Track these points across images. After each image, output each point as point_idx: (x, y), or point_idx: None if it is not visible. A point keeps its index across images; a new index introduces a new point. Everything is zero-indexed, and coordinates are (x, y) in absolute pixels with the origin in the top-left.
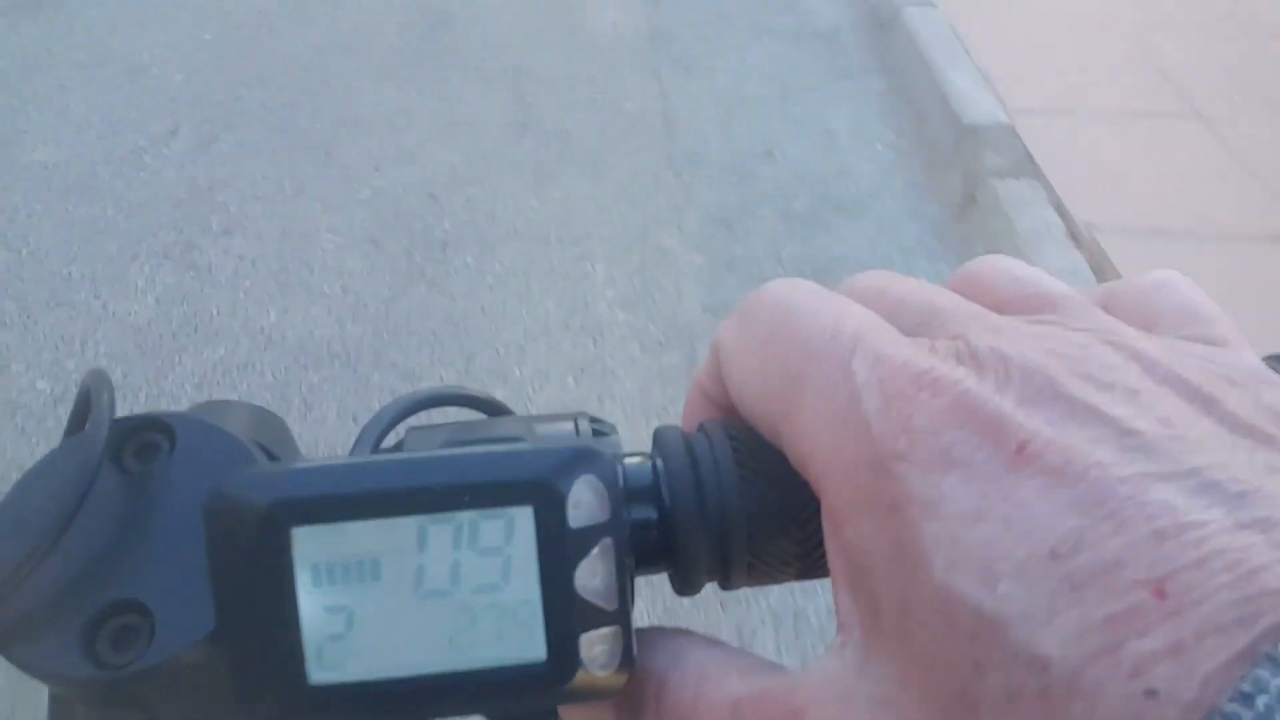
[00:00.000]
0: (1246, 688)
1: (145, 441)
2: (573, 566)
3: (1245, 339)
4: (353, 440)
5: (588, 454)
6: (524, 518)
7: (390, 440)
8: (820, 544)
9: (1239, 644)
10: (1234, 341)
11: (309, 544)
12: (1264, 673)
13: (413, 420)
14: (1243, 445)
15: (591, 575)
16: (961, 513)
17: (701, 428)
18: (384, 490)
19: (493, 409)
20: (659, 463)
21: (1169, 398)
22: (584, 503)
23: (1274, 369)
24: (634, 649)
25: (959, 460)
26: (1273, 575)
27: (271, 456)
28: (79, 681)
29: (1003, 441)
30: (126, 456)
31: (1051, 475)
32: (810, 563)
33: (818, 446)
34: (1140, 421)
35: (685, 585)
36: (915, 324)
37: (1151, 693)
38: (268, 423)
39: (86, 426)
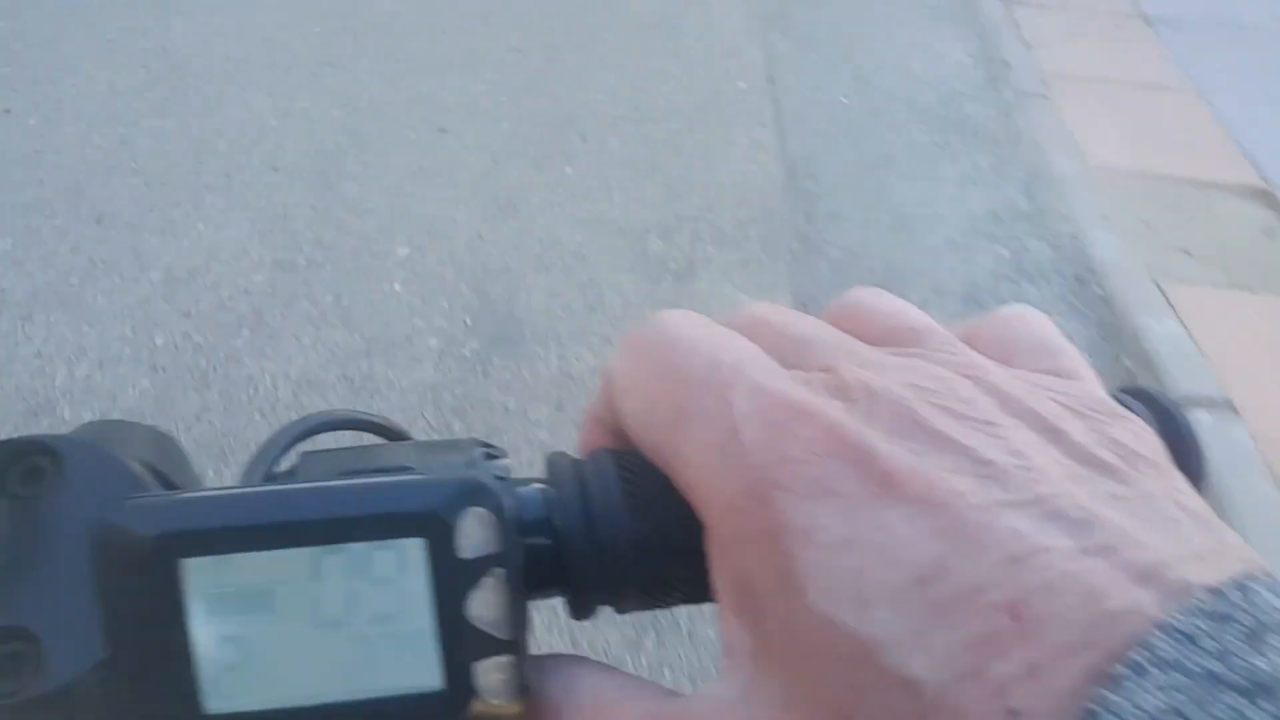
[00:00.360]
0: (1093, 706)
1: (30, 466)
2: (464, 596)
3: (1093, 372)
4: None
5: (475, 486)
6: (416, 549)
7: (285, 463)
8: (707, 570)
9: (1087, 663)
10: (1083, 374)
11: (200, 576)
12: (1107, 692)
13: (307, 445)
14: (1086, 475)
15: (484, 605)
16: (835, 541)
17: (593, 455)
18: (276, 522)
19: (389, 433)
20: (550, 491)
21: (1020, 429)
22: (473, 534)
23: (1121, 401)
24: (528, 677)
25: (831, 489)
26: (1114, 599)
27: (163, 479)
28: None
29: (871, 471)
30: (11, 481)
31: (915, 504)
32: (698, 588)
33: (701, 475)
34: (993, 452)
35: (579, 610)
36: (793, 355)
37: (1013, 712)
38: (161, 444)
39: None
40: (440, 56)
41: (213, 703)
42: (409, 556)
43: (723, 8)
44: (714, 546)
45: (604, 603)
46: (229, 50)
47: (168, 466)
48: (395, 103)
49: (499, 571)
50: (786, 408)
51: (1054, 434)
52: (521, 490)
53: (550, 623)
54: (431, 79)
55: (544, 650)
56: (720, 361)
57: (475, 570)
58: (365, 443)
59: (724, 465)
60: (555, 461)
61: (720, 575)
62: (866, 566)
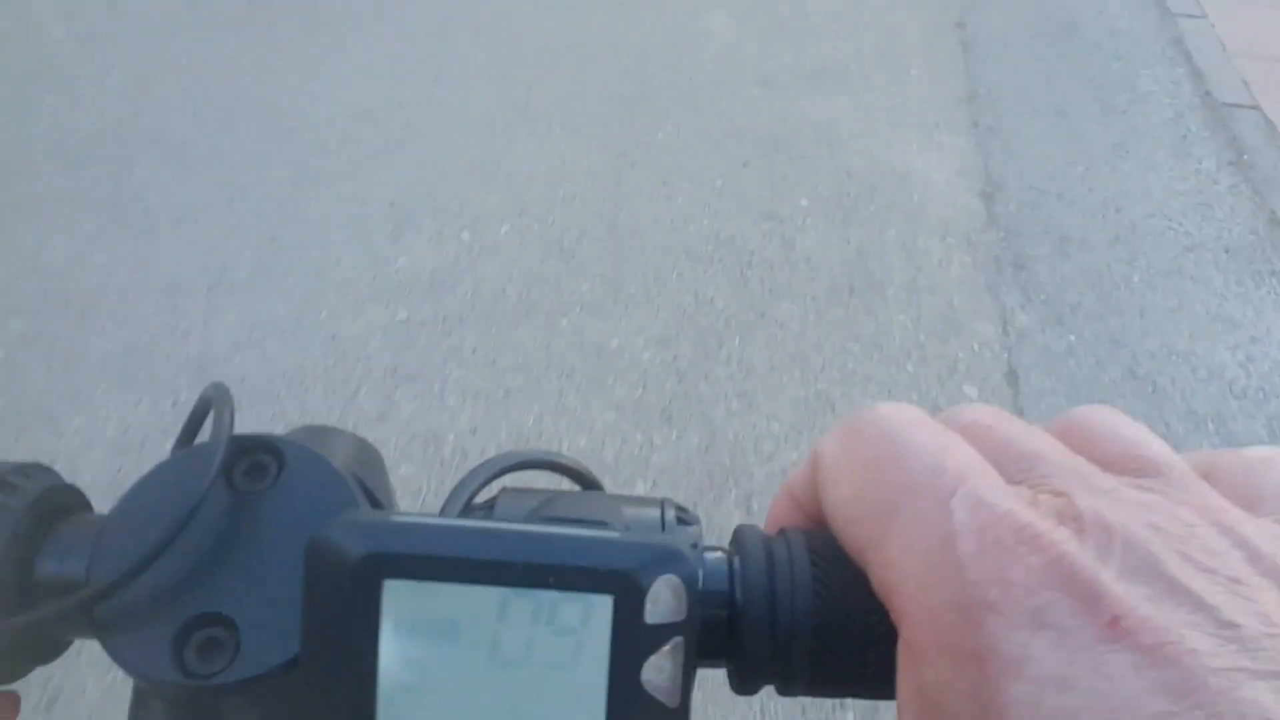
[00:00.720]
0: None
1: (256, 462)
2: (642, 659)
3: None
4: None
5: (673, 553)
6: (603, 605)
7: (484, 495)
8: (884, 669)
9: None
10: None
11: (398, 597)
12: None
13: (508, 480)
14: None
15: (659, 671)
16: (1047, 676)
17: (783, 532)
18: (476, 558)
19: (583, 479)
20: (736, 562)
21: (1270, 592)
22: (662, 600)
23: None
24: None
25: (1050, 623)
26: None
27: (367, 490)
28: (163, 684)
29: (1097, 611)
30: (237, 474)
31: (1143, 654)
32: (871, 685)
33: (906, 579)
34: (1240, 614)
35: (743, 684)
36: (1018, 469)
37: None
38: (367, 455)
39: (208, 439)
40: None
41: (385, 717)
42: (595, 612)
43: (938, 253)
44: (906, 653)
45: (769, 681)
46: None
47: (369, 475)
48: None
49: (678, 640)
50: (1011, 528)
51: None
52: (708, 556)
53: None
54: None
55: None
56: (943, 466)
57: (657, 636)
58: (562, 486)
59: (933, 574)
60: (744, 533)
61: (908, 684)
62: (1079, 710)
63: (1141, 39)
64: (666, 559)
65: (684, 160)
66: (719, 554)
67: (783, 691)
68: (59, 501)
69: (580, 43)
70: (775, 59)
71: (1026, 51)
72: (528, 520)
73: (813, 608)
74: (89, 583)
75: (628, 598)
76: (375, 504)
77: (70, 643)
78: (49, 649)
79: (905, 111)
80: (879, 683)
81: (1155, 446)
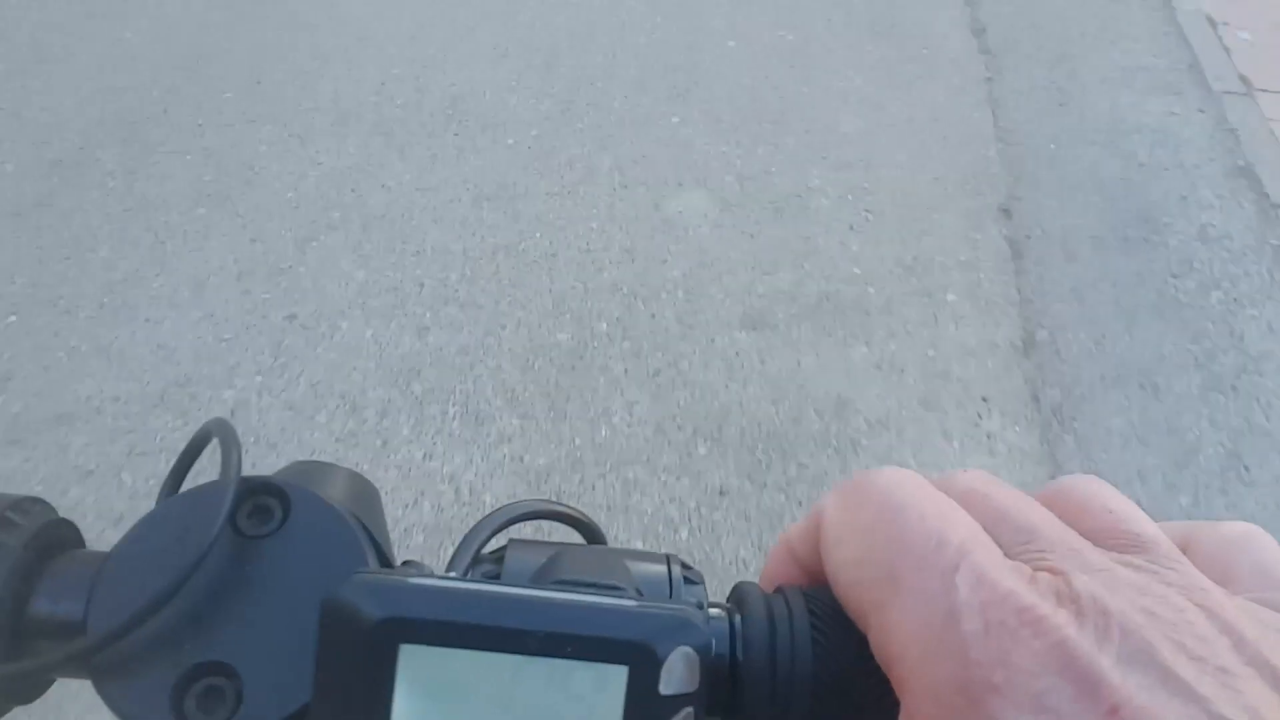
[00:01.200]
0: None
1: (260, 504)
2: None
3: None
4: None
5: (688, 625)
6: (618, 675)
7: (492, 545)
8: None
9: None
10: None
11: (414, 662)
12: None
13: (515, 531)
14: None
15: None
16: None
17: (781, 591)
18: (495, 626)
19: (586, 530)
20: (736, 620)
21: (1255, 682)
22: (677, 671)
23: None
24: None
25: (1051, 708)
26: None
27: (367, 531)
28: None
29: (1097, 699)
30: (241, 517)
31: None
32: None
33: (908, 651)
34: (1228, 707)
35: None
36: (1014, 542)
37: None
38: (364, 492)
39: (218, 477)
40: None
41: None
42: (609, 680)
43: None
44: None
45: None
46: None
47: (367, 514)
48: None
49: (689, 710)
50: (1014, 609)
51: None
52: (712, 615)
53: None
54: None
55: None
56: (945, 539)
57: (670, 707)
58: (569, 537)
59: (936, 650)
60: (745, 591)
61: None
62: None
63: (1241, 250)
64: (682, 630)
65: (630, 492)
66: (720, 612)
67: None
68: (55, 537)
69: (503, 261)
70: (769, 275)
71: (1094, 264)
72: (538, 578)
73: (813, 671)
74: (87, 625)
75: (643, 669)
76: (375, 545)
77: (53, 682)
78: (32, 690)
79: (942, 376)
80: None
81: (1142, 522)
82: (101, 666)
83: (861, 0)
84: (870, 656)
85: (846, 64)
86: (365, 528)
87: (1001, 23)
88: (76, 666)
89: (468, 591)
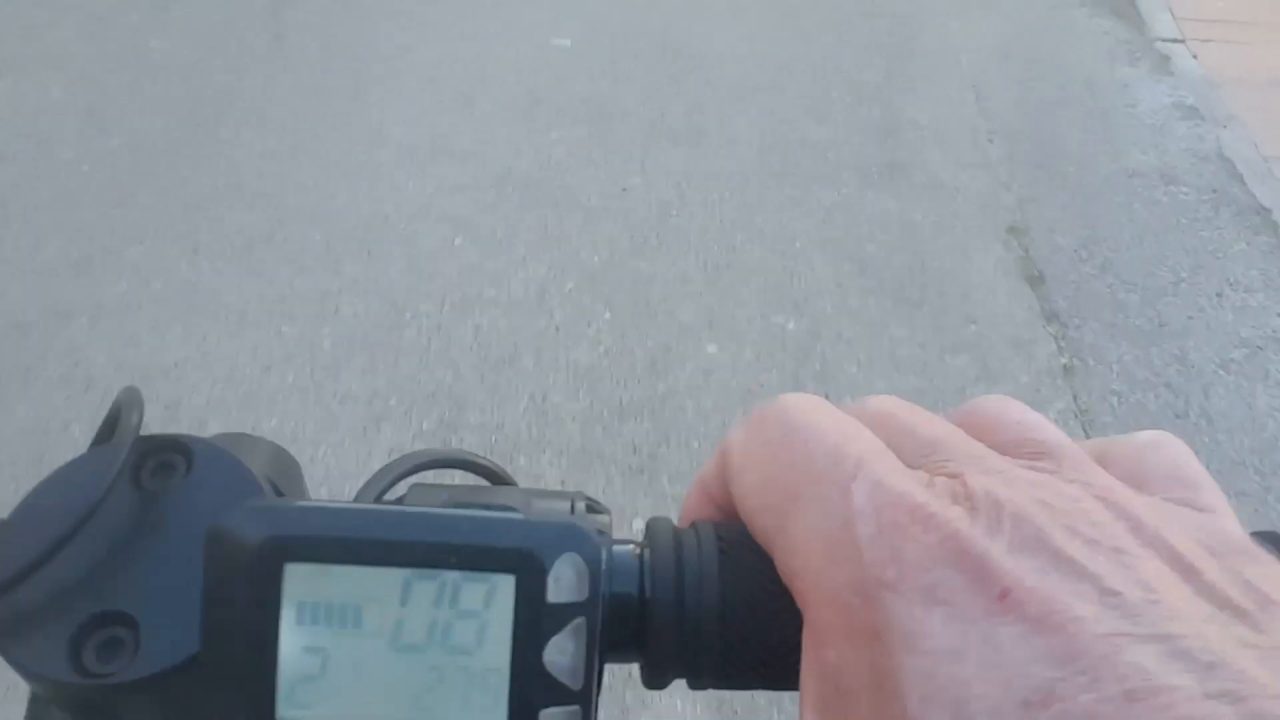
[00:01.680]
0: None
1: (164, 461)
2: (544, 640)
3: (1231, 509)
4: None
5: (575, 532)
6: (505, 585)
7: (394, 494)
8: (791, 658)
9: None
10: (1220, 510)
11: (299, 582)
12: None
13: (418, 478)
14: (1218, 617)
15: (561, 652)
16: (940, 649)
17: (694, 525)
18: (377, 539)
19: (496, 478)
20: (645, 553)
21: (1152, 561)
22: (565, 579)
23: (1259, 544)
24: None
25: (943, 598)
26: None
27: (279, 493)
28: (60, 685)
29: (987, 585)
30: (144, 473)
31: (1031, 624)
32: (779, 676)
33: (808, 563)
34: (1121, 581)
35: (653, 677)
36: (917, 455)
37: None
38: (283, 462)
39: (112, 439)
40: None
41: (285, 710)
42: (498, 592)
43: None
44: (811, 637)
45: (680, 675)
46: None
47: (285, 483)
48: None
49: (580, 621)
50: (906, 509)
51: (1186, 570)
52: (617, 549)
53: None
54: None
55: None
56: (843, 453)
57: (559, 616)
58: (475, 484)
59: (833, 556)
60: (655, 525)
61: (810, 666)
62: (971, 680)
63: None
64: (568, 538)
65: None
66: (630, 547)
67: (693, 685)
68: None
69: None
70: None
71: None
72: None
73: (720, 597)
74: None
75: (529, 577)
76: None
77: None
78: None
79: None
80: (786, 671)
81: (1050, 431)
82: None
83: (877, 250)
84: (778, 582)
85: (871, 360)
86: (277, 489)
87: (1062, 264)
88: None
89: (352, 510)
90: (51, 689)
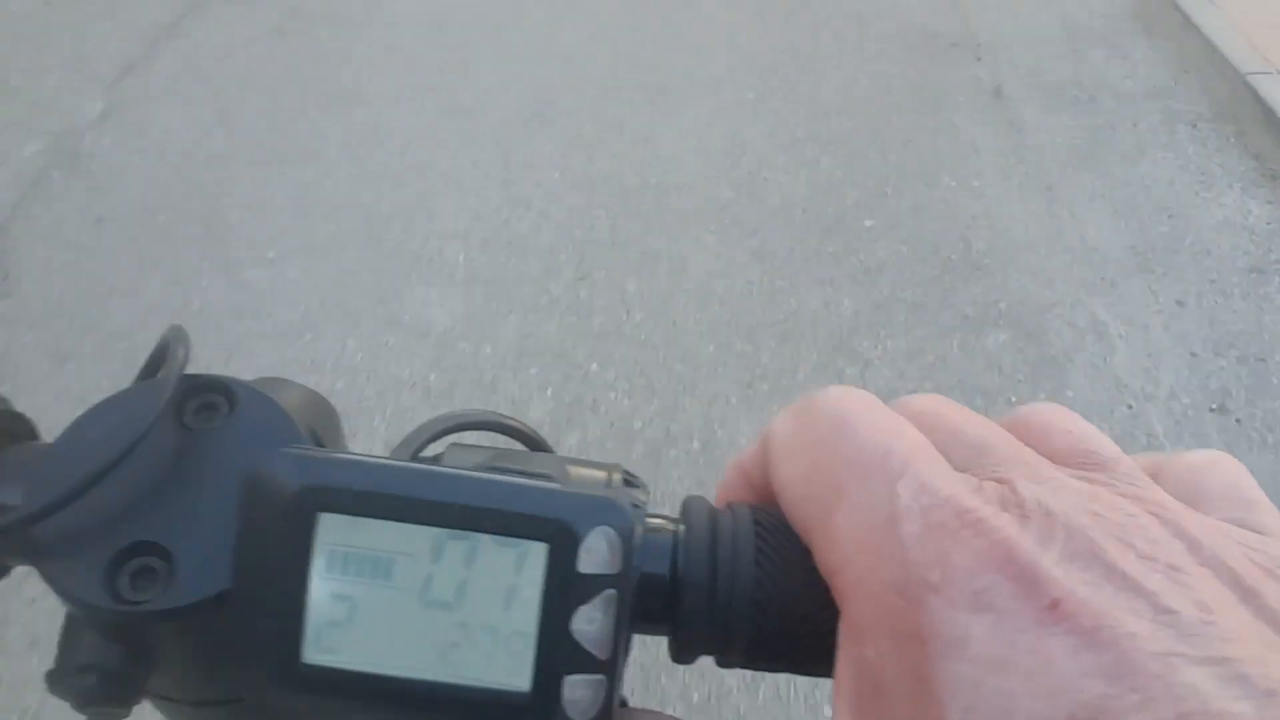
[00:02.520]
0: None
1: (207, 401)
2: (573, 609)
3: None
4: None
5: (610, 505)
6: (537, 552)
7: (431, 451)
8: (822, 646)
9: None
10: (1278, 532)
11: (332, 531)
12: None
13: (457, 437)
14: (1278, 643)
15: (589, 622)
16: (986, 657)
17: (730, 507)
18: (414, 497)
19: (532, 442)
20: (680, 530)
21: (1210, 581)
22: (597, 551)
23: None
24: (614, 703)
25: (990, 605)
26: None
27: (318, 440)
28: (94, 609)
29: (1037, 594)
30: (188, 412)
31: (1081, 637)
32: (807, 661)
33: (849, 558)
34: (1177, 600)
35: (681, 652)
36: (965, 458)
37: None
38: (322, 408)
39: (158, 375)
40: None
41: (311, 653)
42: (529, 558)
43: None
44: (848, 631)
45: (708, 651)
46: None
47: (324, 430)
48: None
49: (611, 593)
50: (954, 512)
51: (1246, 592)
52: (652, 522)
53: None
54: None
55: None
56: (890, 450)
57: (589, 586)
58: (513, 447)
59: (876, 554)
60: (691, 504)
61: (848, 662)
62: (1017, 691)
63: None
64: (603, 510)
65: None
66: (664, 522)
67: (721, 663)
68: (3, 428)
69: None
70: None
71: None
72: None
73: (754, 580)
74: (24, 507)
75: (562, 546)
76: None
77: (7, 570)
78: None
79: None
80: (816, 659)
81: (1103, 442)
82: (40, 546)
83: None
84: (814, 569)
85: None
86: (316, 437)
87: None
88: (14, 546)
89: (390, 466)
90: (86, 612)
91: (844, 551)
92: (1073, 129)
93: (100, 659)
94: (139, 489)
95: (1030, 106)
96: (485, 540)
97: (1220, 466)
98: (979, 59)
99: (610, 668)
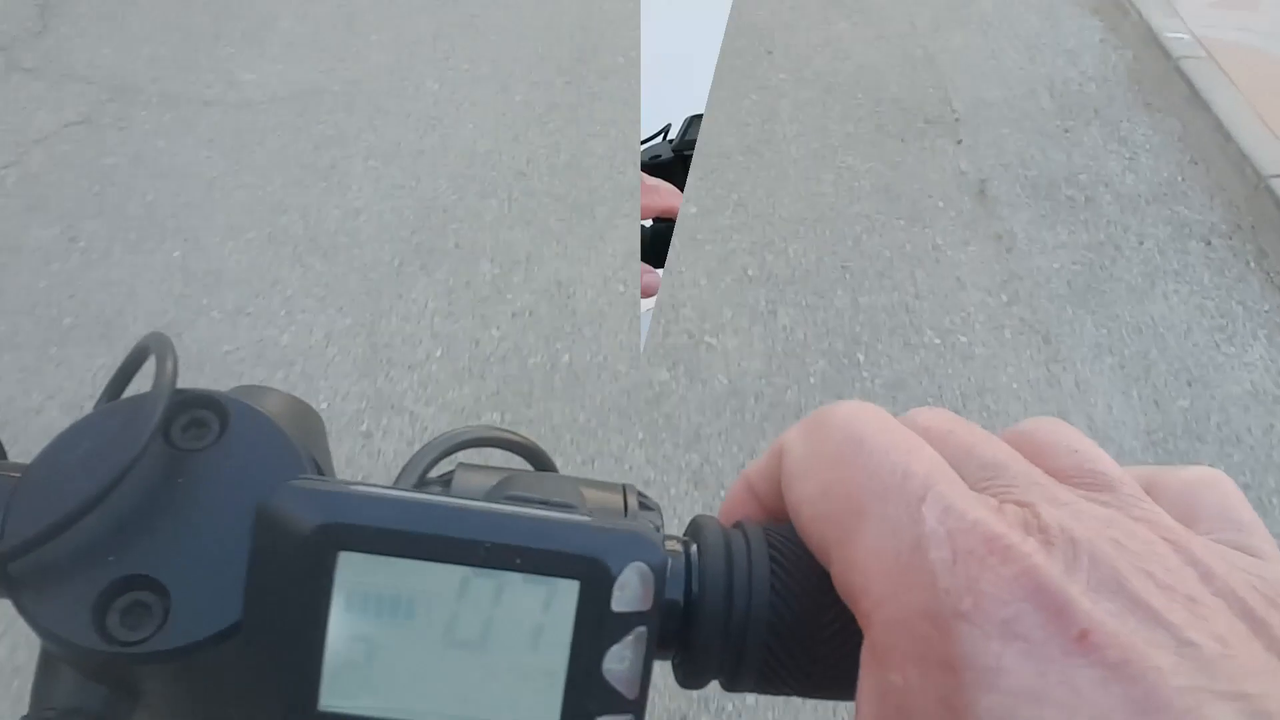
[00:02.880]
0: None
1: (196, 418)
2: (605, 648)
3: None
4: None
5: (643, 541)
6: (568, 590)
7: (437, 471)
8: (838, 669)
9: None
10: (1271, 554)
11: (353, 571)
12: None
13: (462, 456)
14: None
15: (621, 660)
16: (1020, 689)
17: (741, 526)
18: (439, 535)
19: (537, 460)
20: (693, 552)
21: (1224, 612)
22: (631, 588)
23: None
24: None
25: (1020, 634)
26: None
27: (313, 460)
28: (80, 650)
29: (1066, 625)
30: (176, 430)
31: (1110, 670)
32: (820, 684)
33: (874, 582)
34: (1197, 632)
35: (690, 677)
36: (980, 477)
37: None
38: (307, 418)
39: (151, 389)
40: None
41: (329, 698)
42: (560, 596)
43: None
44: (871, 656)
45: (717, 676)
46: None
47: (310, 439)
48: None
49: (642, 630)
50: (983, 539)
51: (1257, 624)
52: (668, 545)
53: None
54: None
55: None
56: (910, 471)
57: (622, 625)
58: (516, 466)
59: (902, 579)
60: (702, 524)
61: (870, 686)
62: None
63: None
64: (637, 546)
65: None
66: (676, 543)
67: (728, 687)
68: None
69: None
70: None
71: None
72: (489, 498)
73: (770, 605)
74: (4, 537)
75: (595, 584)
76: (317, 467)
77: None
78: None
79: None
80: (828, 683)
81: (1106, 462)
82: (19, 579)
83: None
84: (831, 591)
85: None
86: (306, 450)
87: None
88: None
89: (412, 500)
90: (69, 651)
91: (868, 575)
92: (1070, 248)
93: (80, 702)
94: (128, 517)
95: (1021, 215)
96: (514, 578)
97: (1216, 486)
98: (959, 141)
99: (639, 706)
